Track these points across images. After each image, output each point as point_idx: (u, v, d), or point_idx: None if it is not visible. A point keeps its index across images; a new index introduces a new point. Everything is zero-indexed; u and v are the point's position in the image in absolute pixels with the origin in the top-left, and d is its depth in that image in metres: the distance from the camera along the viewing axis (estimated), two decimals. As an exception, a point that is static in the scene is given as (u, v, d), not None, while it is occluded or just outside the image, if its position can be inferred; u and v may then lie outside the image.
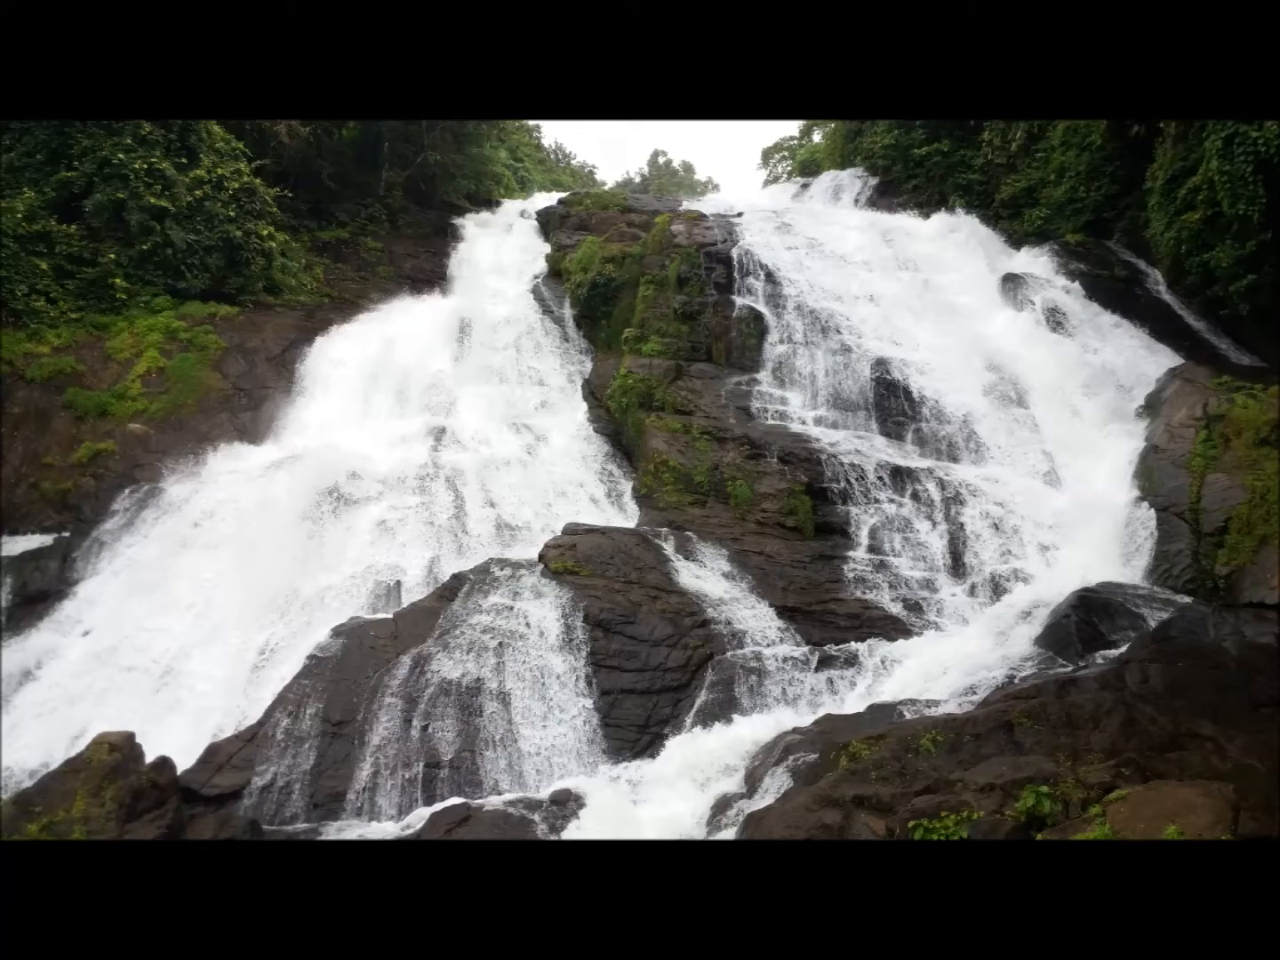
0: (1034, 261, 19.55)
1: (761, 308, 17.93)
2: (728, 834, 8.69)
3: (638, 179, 60.15)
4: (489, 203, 30.61)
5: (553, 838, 9.33)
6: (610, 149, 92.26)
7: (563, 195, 28.93)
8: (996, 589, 12.55)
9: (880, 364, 16.33)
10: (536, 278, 23.59)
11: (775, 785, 8.81)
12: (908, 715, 9.64)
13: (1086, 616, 10.52)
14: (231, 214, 21.01)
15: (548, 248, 25.43)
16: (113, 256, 19.45)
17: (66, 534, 15.12)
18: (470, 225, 28.02)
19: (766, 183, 49.43)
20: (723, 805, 9.31)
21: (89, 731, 11.95)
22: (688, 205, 25.07)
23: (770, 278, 18.36)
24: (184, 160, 20.63)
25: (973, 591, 12.74)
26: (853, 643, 11.88)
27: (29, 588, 14.15)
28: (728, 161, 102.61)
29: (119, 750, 9.31)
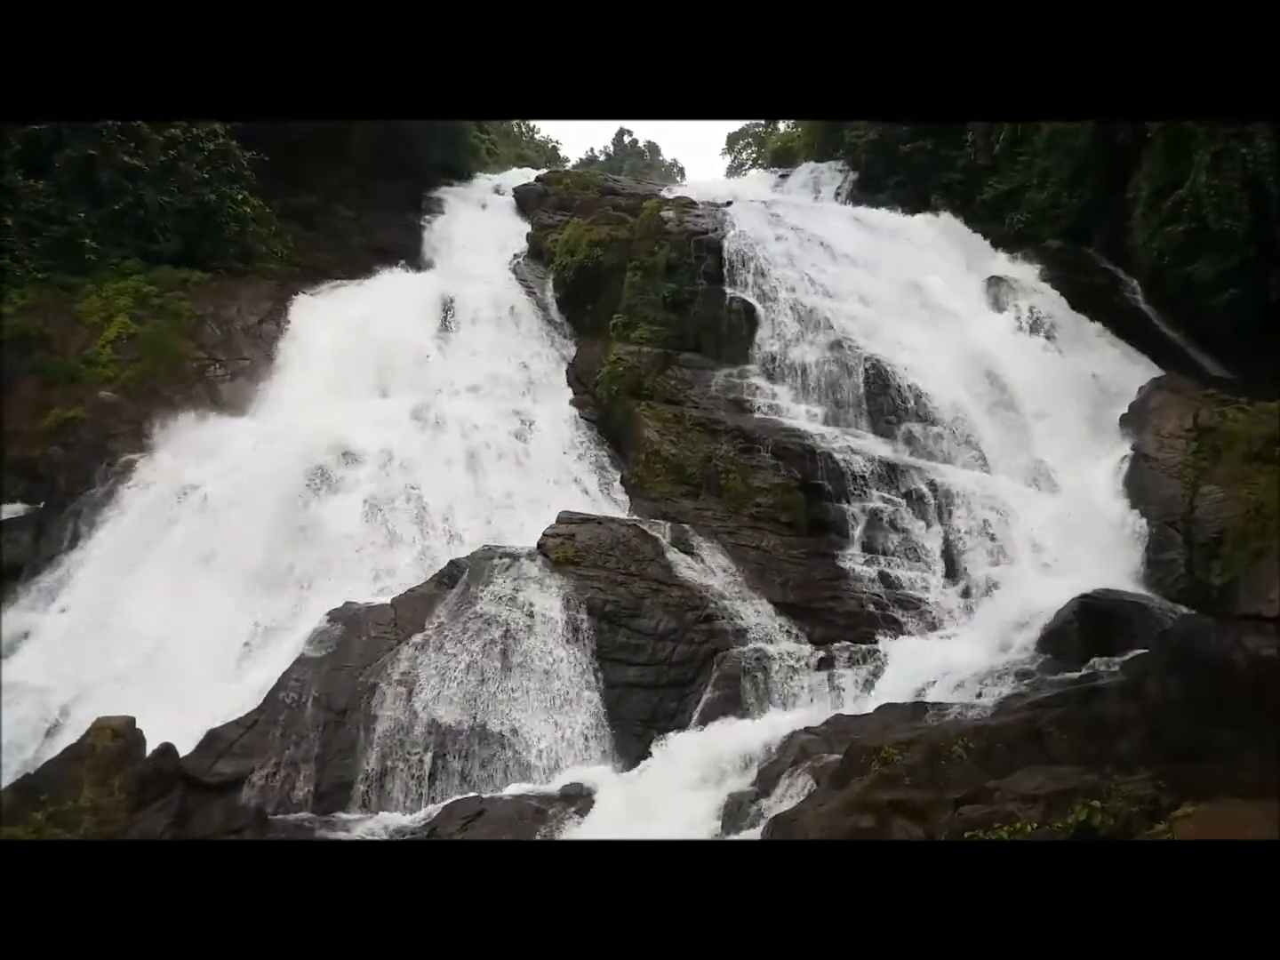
0: (1017, 265, 19.83)
1: (752, 300, 17.88)
2: (746, 834, 8.74)
3: (602, 157, 59.65)
4: (460, 176, 30.01)
5: (563, 835, 9.31)
6: (574, 126, 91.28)
7: (540, 173, 28.53)
8: (990, 592, 12.76)
9: (871, 362, 16.42)
10: (517, 257, 23.26)
11: (796, 786, 8.87)
12: (920, 716, 9.78)
13: (1088, 622, 10.76)
14: (206, 176, 20.33)
15: (525, 225, 25.05)
16: (82, 215, 18.67)
17: (40, 505, 14.55)
18: (445, 199, 27.46)
19: (731, 169, 49.37)
20: (736, 803, 9.36)
21: (72, 712, 11.65)
22: (669, 191, 24.91)
23: (761, 270, 18.32)
24: (158, 118, 19.87)
25: (967, 593, 12.93)
26: (852, 642, 12.00)
27: (1, 560, 13.60)
28: (691, 144, 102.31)
29: (122, 736, 9.07)
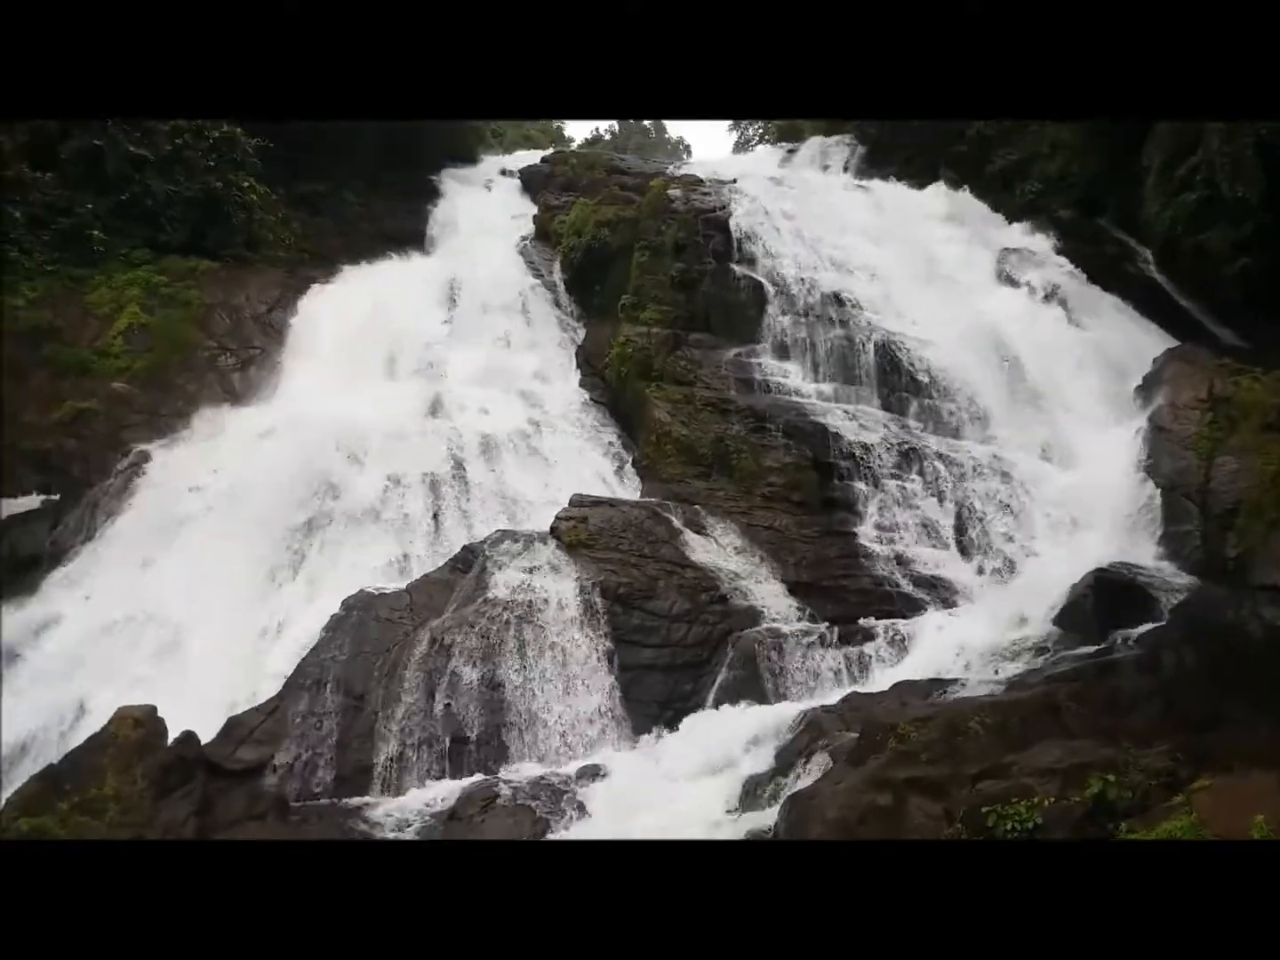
0: (1028, 237, 19.67)
1: (761, 278, 17.80)
2: (764, 813, 8.77)
3: (607, 135, 59.23)
4: (467, 159, 29.88)
5: (580, 817, 9.35)
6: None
7: (546, 154, 28.40)
8: (1005, 567, 12.76)
9: (882, 337, 16.34)
10: (524, 239, 23.19)
11: (813, 765, 8.89)
12: (935, 693, 9.79)
13: (1104, 596, 10.72)
14: (212, 163, 20.32)
15: (531, 207, 24.98)
16: (89, 206, 18.73)
17: (55, 497, 14.66)
18: (451, 182, 27.36)
19: (738, 145, 48.96)
20: (754, 783, 9.38)
21: (91, 702, 11.75)
22: (675, 169, 24.77)
23: (769, 247, 18.23)
24: (162, 107, 19.84)
25: (981, 570, 12.92)
26: (867, 620, 12.00)
27: (18, 552, 13.72)
28: (696, 121, 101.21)
29: (143, 725, 9.16)
